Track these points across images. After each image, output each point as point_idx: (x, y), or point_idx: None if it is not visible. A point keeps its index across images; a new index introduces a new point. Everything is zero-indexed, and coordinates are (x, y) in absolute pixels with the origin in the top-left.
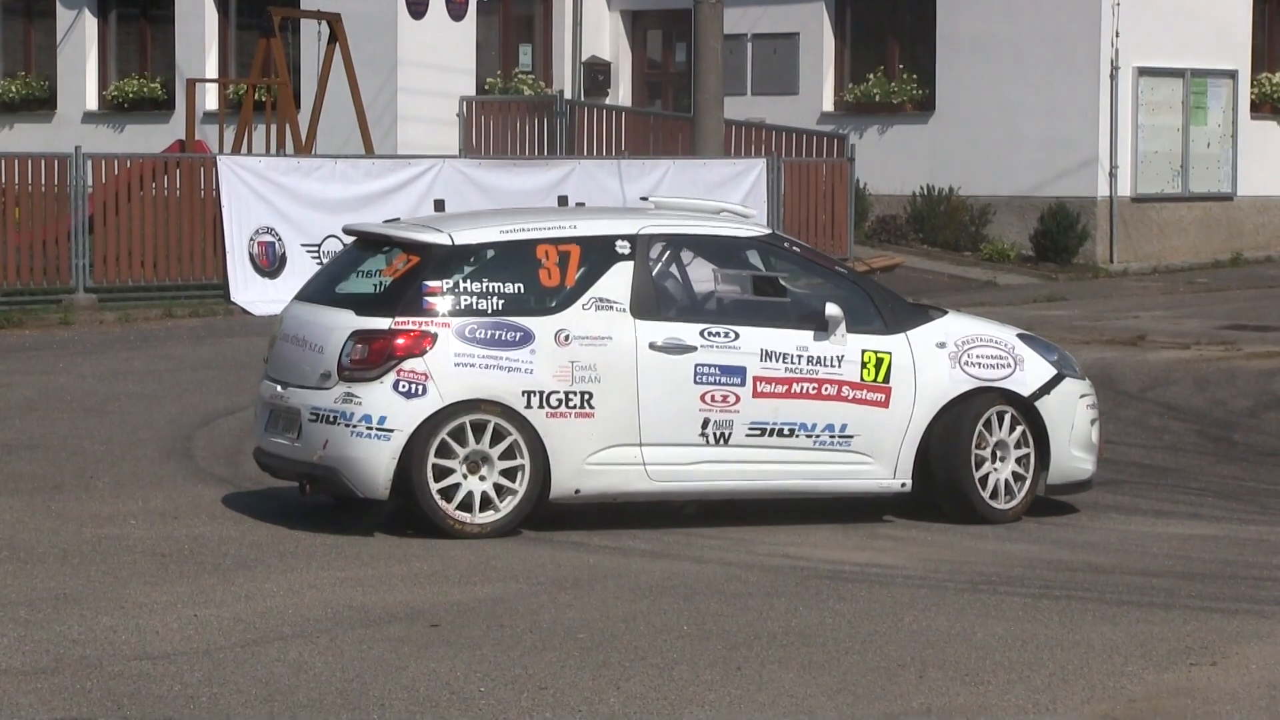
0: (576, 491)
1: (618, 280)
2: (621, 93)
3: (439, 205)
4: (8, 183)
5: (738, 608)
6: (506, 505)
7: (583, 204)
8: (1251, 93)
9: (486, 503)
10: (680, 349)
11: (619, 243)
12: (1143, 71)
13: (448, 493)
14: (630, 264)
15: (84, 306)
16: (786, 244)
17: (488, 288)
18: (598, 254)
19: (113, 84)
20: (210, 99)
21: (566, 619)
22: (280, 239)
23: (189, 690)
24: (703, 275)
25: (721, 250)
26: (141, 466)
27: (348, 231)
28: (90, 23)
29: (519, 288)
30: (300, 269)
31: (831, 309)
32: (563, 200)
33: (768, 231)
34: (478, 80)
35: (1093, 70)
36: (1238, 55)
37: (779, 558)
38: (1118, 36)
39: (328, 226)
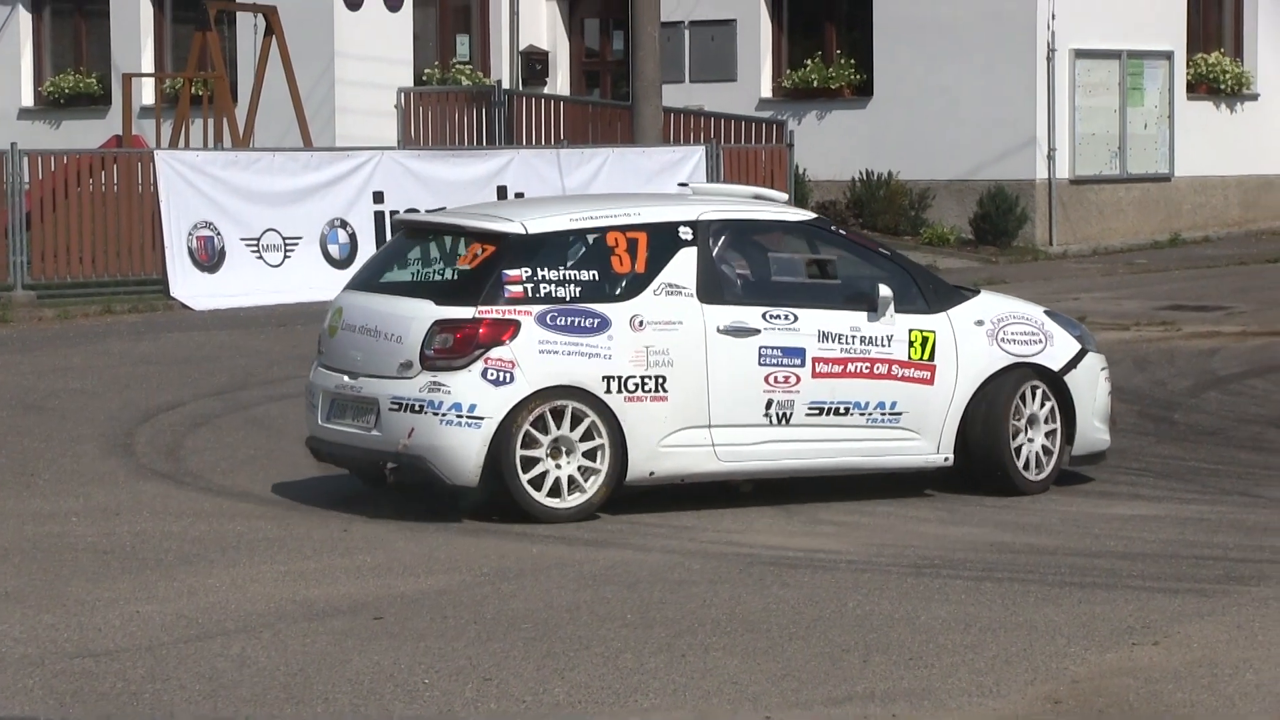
0: (651, 474)
1: (684, 265)
2: (559, 82)
3: (378, 197)
4: None
5: (681, 595)
6: (589, 489)
7: (521, 194)
8: (1188, 73)
9: (569, 487)
10: (745, 332)
11: (682, 229)
12: (1079, 53)
13: (533, 478)
14: (694, 249)
15: (22, 304)
16: (833, 228)
17: (564, 275)
18: (663, 240)
19: (48, 80)
20: (147, 94)
21: (510, 609)
22: (219, 233)
23: (132, 687)
24: (757, 259)
25: (774, 234)
26: (83, 463)
27: (400, 222)
28: (24, 18)
29: (594, 275)
30: (240, 263)
31: (884, 290)
32: (502, 191)
33: (815, 216)
34: (415, 71)
35: (1029, 53)
36: (1174, 36)
37: (722, 545)
38: (1054, 19)
39: (267, 220)
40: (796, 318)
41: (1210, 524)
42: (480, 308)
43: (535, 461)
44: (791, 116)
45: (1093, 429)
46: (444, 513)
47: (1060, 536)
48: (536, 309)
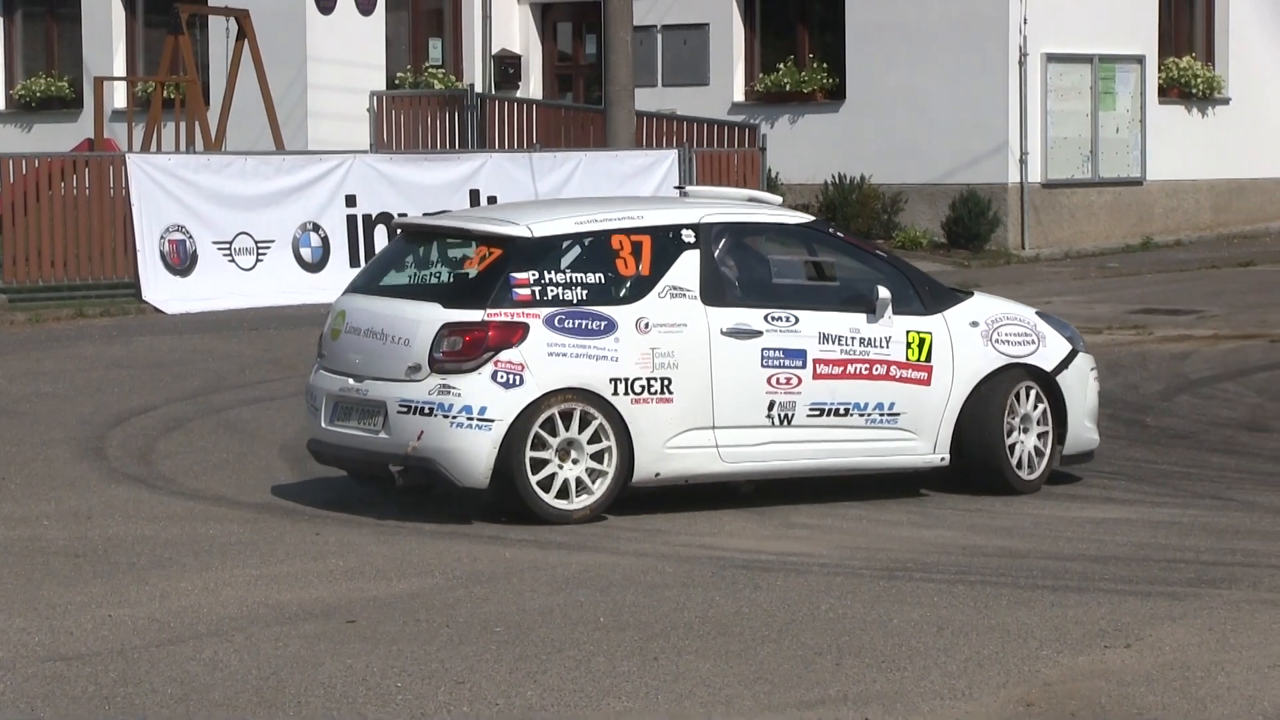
0: (657, 475)
1: (687, 268)
2: (532, 85)
3: (350, 200)
4: None
5: (654, 599)
6: (596, 491)
7: (494, 199)
8: (1159, 77)
9: (577, 489)
10: (748, 334)
11: (684, 232)
12: (1051, 58)
13: (542, 480)
14: (696, 252)
15: None
16: (830, 230)
17: (571, 278)
18: (666, 243)
19: (20, 83)
20: (119, 97)
21: (483, 613)
22: (191, 237)
23: (104, 691)
24: (758, 261)
25: (773, 237)
26: (54, 467)
27: (401, 225)
28: None
29: (600, 277)
30: (212, 267)
31: (883, 292)
32: (474, 195)
33: (813, 218)
34: (388, 75)
35: (1002, 57)
36: (1145, 40)
37: (695, 548)
38: (1026, 23)
39: (239, 223)
40: (798, 319)
41: (1182, 527)
42: (489, 311)
43: (544, 463)
44: (764, 120)
45: (1083, 428)
46: (416, 516)
47: (1032, 539)
48: (544, 312)
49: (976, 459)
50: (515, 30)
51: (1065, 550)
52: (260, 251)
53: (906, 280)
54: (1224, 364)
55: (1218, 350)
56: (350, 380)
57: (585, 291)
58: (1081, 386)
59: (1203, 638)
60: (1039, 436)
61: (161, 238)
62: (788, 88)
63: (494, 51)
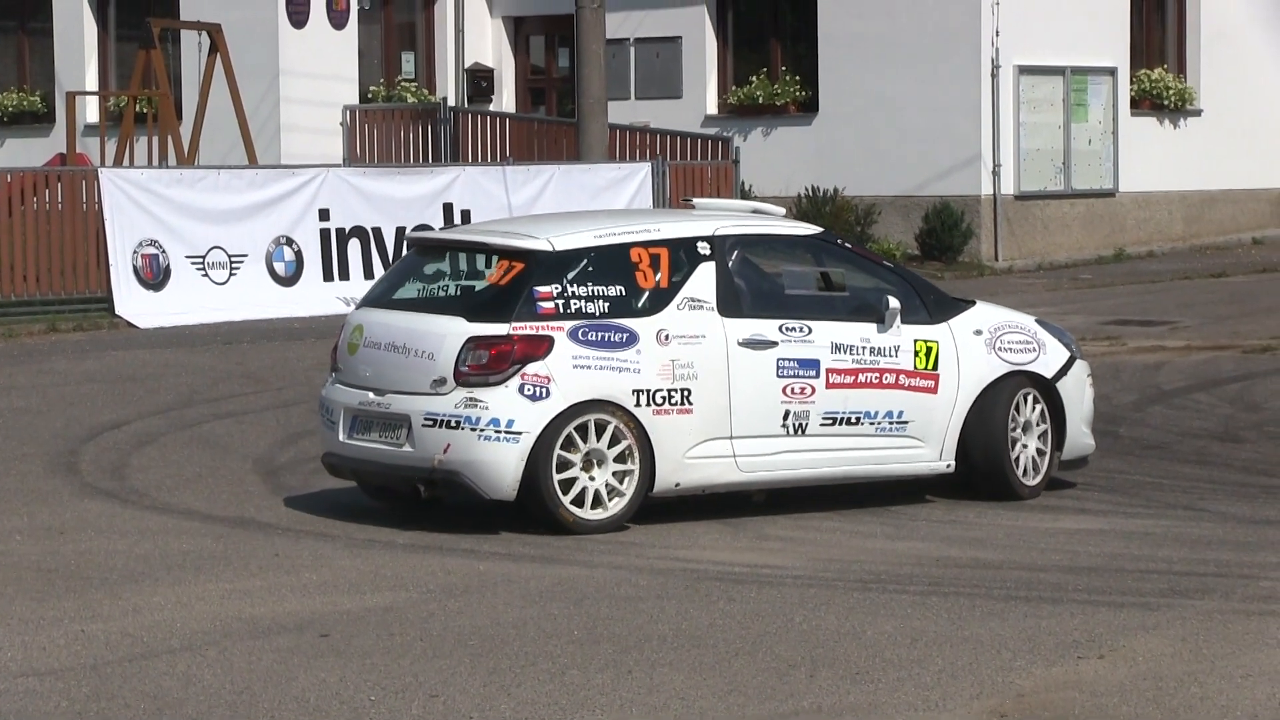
0: (677, 485)
1: (704, 280)
2: (505, 99)
3: (324, 214)
4: None
5: (628, 611)
6: (619, 501)
7: (468, 212)
8: (1131, 89)
9: (600, 499)
10: (764, 344)
11: (700, 244)
12: (1023, 69)
13: (567, 490)
14: (712, 264)
15: None
16: (838, 241)
17: (592, 291)
18: (683, 255)
19: None
20: (91, 111)
21: (457, 626)
22: (164, 251)
23: (76, 706)
24: (769, 273)
25: (783, 249)
26: (27, 481)
27: (416, 240)
28: None
29: (620, 290)
30: (185, 281)
31: (893, 302)
32: (448, 208)
33: (821, 229)
34: (361, 88)
35: (974, 69)
36: (1117, 52)
37: (669, 560)
38: (998, 35)
39: (212, 238)
40: (811, 330)
41: (1154, 538)
42: (514, 324)
43: (570, 474)
44: (737, 133)
45: (1080, 434)
46: (389, 529)
47: (1005, 551)
48: (568, 324)
49: (981, 466)
50: (488, 44)
51: (1038, 561)
52: (233, 266)
53: (913, 290)
54: (1196, 375)
55: (1190, 361)
56: (370, 394)
57: (606, 304)
58: (1079, 392)
59: (1176, 648)
60: (1039, 442)
61: (134, 252)
62: (760, 100)
63: (467, 65)
